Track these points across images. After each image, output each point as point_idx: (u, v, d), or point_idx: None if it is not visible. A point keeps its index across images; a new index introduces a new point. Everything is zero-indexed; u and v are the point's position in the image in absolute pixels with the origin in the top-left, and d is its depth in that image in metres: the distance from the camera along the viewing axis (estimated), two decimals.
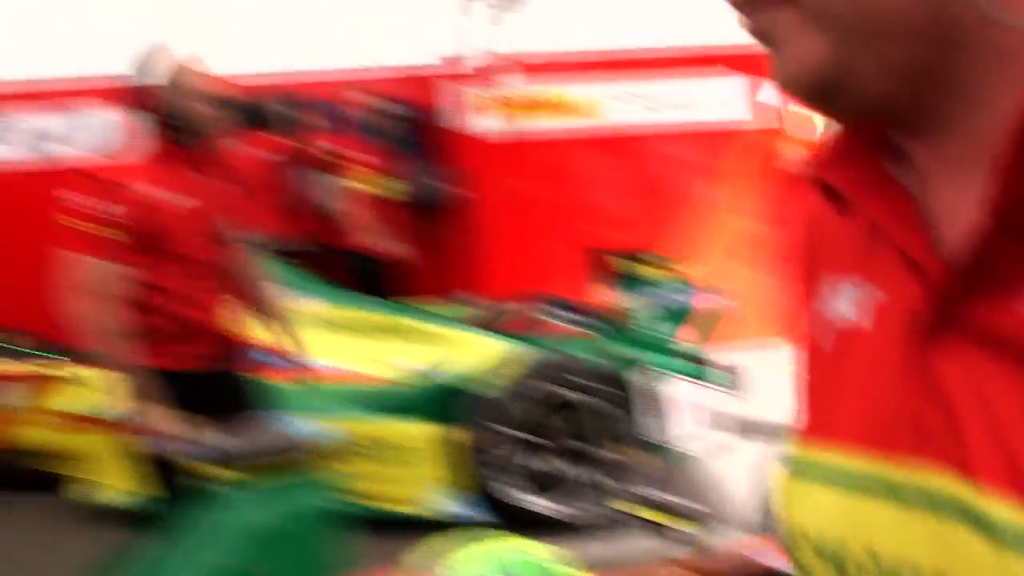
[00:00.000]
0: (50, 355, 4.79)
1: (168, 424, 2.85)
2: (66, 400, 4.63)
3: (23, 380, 4.82)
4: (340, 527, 1.94)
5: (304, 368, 3.53)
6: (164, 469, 3.13)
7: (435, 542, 1.89)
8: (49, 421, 4.67)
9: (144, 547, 2.11)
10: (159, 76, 3.01)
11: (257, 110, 6.41)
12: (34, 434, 4.75)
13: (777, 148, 7.14)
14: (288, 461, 1.84)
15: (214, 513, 1.97)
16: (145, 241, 2.99)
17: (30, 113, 6.67)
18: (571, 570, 1.87)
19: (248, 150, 6.10)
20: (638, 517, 2.58)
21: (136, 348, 2.95)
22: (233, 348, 3.29)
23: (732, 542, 2.50)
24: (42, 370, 4.80)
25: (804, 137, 6.69)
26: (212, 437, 2.35)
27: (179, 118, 3.00)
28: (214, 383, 3.15)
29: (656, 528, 2.46)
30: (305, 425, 1.87)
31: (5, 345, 5.06)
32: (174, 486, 3.26)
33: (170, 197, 3.03)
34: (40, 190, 5.47)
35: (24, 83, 6.70)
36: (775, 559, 2.37)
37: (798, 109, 6.82)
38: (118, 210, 2.95)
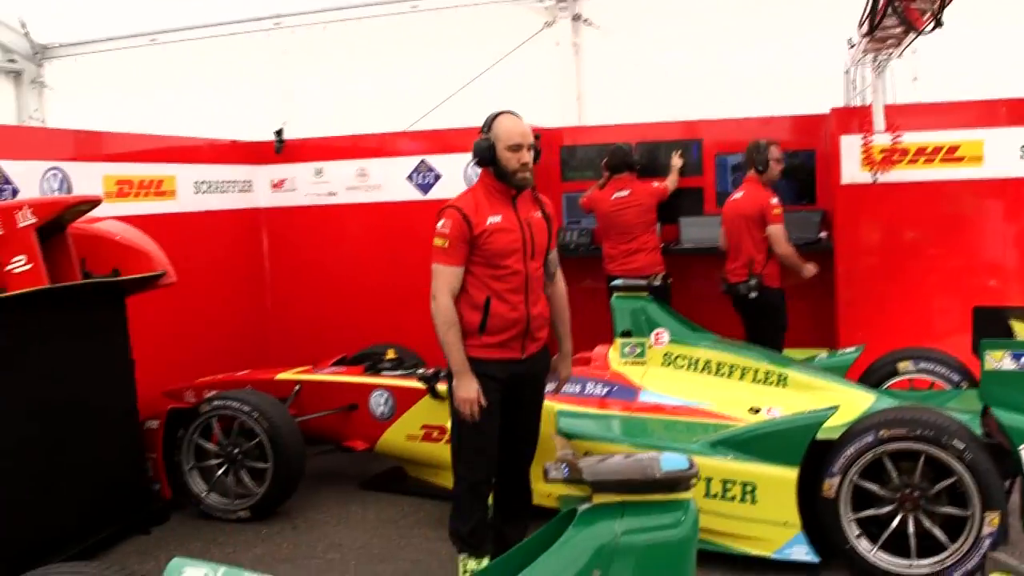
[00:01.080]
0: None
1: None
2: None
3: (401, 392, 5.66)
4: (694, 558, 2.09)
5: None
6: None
7: None
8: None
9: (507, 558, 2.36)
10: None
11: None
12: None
13: None
14: (652, 489, 1.96)
15: (579, 529, 2.11)
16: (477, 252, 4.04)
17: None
18: None
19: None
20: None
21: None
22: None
23: None
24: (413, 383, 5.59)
25: None
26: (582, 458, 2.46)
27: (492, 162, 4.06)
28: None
29: None
30: (671, 457, 2.04)
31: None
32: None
33: (495, 219, 4.05)
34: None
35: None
36: None
37: None
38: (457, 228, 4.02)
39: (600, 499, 2.13)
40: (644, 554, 1.89)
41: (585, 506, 2.18)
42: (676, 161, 7.38)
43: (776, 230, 6.28)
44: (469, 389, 4.02)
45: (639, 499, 1.92)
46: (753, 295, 6.36)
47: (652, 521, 1.89)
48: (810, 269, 6.41)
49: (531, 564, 2.15)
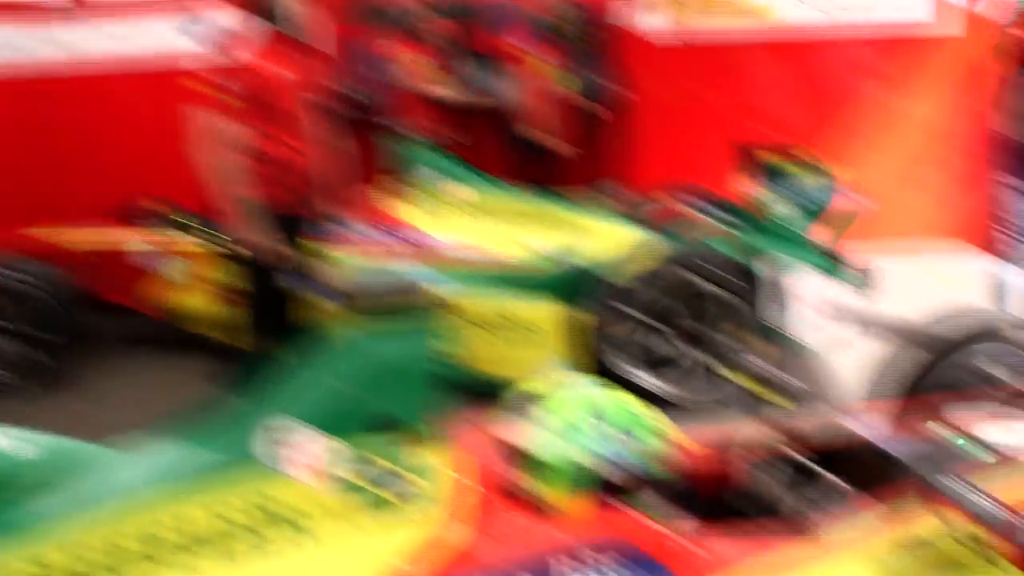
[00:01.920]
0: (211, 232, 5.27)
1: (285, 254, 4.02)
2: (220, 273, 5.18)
3: (187, 255, 5.46)
4: (450, 378, 2.10)
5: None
6: (281, 304, 4.17)
7: (531, 386, 2.17)
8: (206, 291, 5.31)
9: (261, 379, 2.26)
10: None
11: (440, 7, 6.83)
12: (192, 302, 5.42)
13: (958, 53, 6.90)
14: (405, 304, 1.97)
15: (329, 347, 2.12)
16: (255, 103, 4.04)
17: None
18: (657, 420, 2.12)
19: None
20: (741, 388, 2.77)
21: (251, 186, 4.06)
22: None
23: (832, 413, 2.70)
24: (203, 246, 5.40)
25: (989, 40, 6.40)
26: (332, 275, 2.40)
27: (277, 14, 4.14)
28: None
29: (757, 402, 2.66)
30: (422, 273, 2.00)
31: (177, 221, 5.67)
32: (291, 322, 4.12)
33: (275, 70, 4.11)
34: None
35: None
36: (873, 430, 2.55)
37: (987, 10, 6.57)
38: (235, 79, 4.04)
39: (349, 318, 2.19)
40: (394, 370, 1.91)
41: (339, 325, 2.25)
42: None
43: None
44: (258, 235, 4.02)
45: (388, 316, 1.92)
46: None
47: (403, 337, 1.91)
48: None
49: (286, 386, 2.13)
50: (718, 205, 5.88)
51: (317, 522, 1.87)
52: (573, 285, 4.47)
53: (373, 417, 1.90)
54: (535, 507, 2.02)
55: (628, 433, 2.05)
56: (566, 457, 2.01)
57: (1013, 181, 5.17)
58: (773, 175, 4.79)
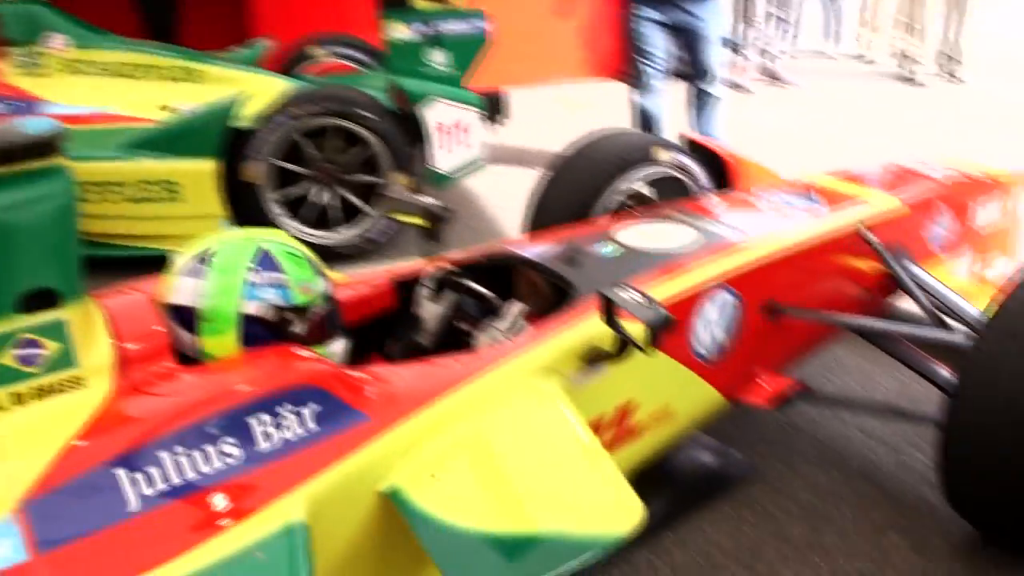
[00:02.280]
0: None
1: None
2: None
3: None
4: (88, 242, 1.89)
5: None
6: None
7: (188, 245, 2.00)
8: None
9: None
10: None
11: None
12: None
13: None
14: (24, 152, 1.62)
15: None
16: None
17: None
18: (316, 259, 2.03)
19: None
20: (390, 221, 2.75)
21: None
22: None
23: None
24: None
25: None
26: None
27: None
28: None
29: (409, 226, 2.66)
30: (35, 120, 1.71)
31: None
32: None
33: None
34: None
35: None
36: (527, 248, 2.64)
37: None
38: None
39: None
40: (18, 229, 1.62)
41: None
42: None
43: None
44: None
45: (4, 171, 1.61)
46: None
47: (26, 193, 1.60)
48: None
49: None
50: (350, 46, 5.82)
51: None
52: (213, 138, 4.23)
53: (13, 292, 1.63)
54: (209, 365, 1.90)
55: (290, 275, 1.95)
56: (231, 308, 1.90)
57: (651, 13, 5.39)
58: (403, 12, 4.71)
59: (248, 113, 4.31)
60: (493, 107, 4.96)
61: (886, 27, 9.56)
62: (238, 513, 1.64)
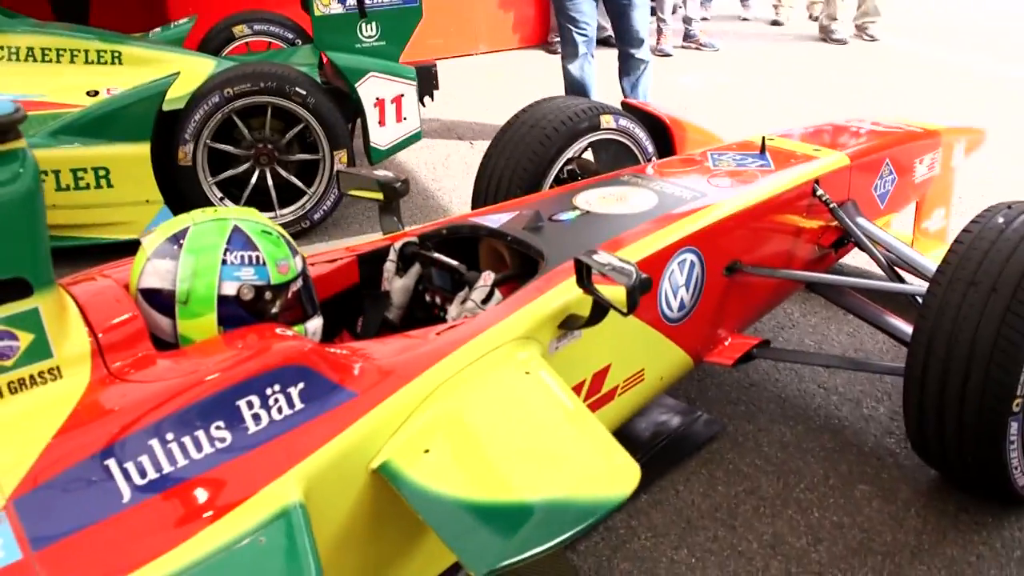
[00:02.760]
0: None
1: None
2: None
3: None
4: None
5: None
6: None
7: (169, 222, 1.92)
8: None
9: None
10: None
11: None
12: None
13: None
14: None
15: None
16: None
17: None
18: (284, 233, 1.97)
19: None
20: (345, 195, 2.71)
21: None
22: None
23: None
24: None
25: None
26: None
27: None
28: None
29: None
30: None
31: None
32: None
33: None
34: None
35: None
36: (490, 219, 2.63)
37: None
38: None
39: None
40: None
41: None
42: None
43: None
44: None
45: None
46: None
47: None
48: None
49: None
50: (284, 26, 5.72)
51: None
52: (145, 122, 4.10)
53: None
54: (189, 349, 1.84)
55: (266, 254, 1.89)
56: (208, 290, 1.84)
57: None
58: None
59: (179, 94, 4.20)
60: (426, 80, 4.92)
61: None
62: (234, 498, 1.60)
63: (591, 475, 1.76)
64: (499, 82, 7.54)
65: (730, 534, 2.53)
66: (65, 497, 1.52)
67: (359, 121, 4.67)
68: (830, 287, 3.13)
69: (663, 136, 3.62)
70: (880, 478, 2.74)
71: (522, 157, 3.29)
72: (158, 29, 5.48)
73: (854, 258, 3.62)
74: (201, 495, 1.60)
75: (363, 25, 4.58)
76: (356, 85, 4.47)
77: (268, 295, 1.91)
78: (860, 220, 3.09)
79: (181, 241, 1.87)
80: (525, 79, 7.47)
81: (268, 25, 5.68)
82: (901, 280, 3.01)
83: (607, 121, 3.39)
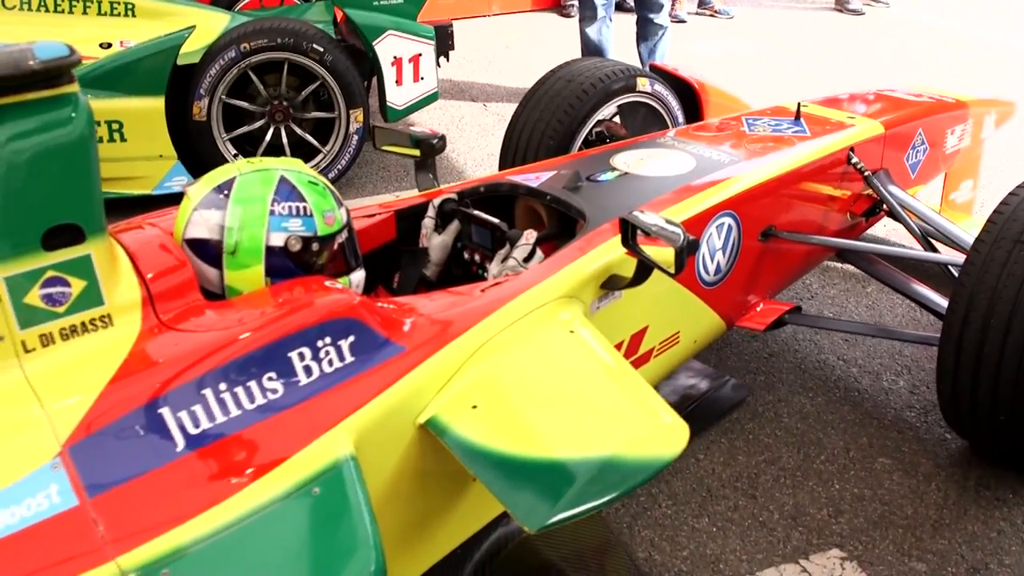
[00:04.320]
0: None
1: None
2: None
3: None
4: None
5: None
6: None
7: (214, 171, 1.89)
8: None
9: None
10: None
11: None
12: None
13: None
14: (30, 84, 1.51)
15: None
16: None
17: None
18: (330, 185, 1.94)
19: None
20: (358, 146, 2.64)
21: None
22: None
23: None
24: None
25: None
26: None
27: None
28: None
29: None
30: (47, 44, 1.57)
31: None
32: None
33: None
34: None
35: None
36: (528, 178, 2.60)
37: None
38: None
39: None
40: (36, 161, 1.51)
41: None
42: None
43: None
44: None
45: (17, 100, 1.48)
46: None
47: (39, 121, 1.50)
48: None
49: None
50: None
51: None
52: (159, 76, 4.06)
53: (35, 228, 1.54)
54: (237, 300, 1.82)
55: (313, 205, 1.86)
56: (256, 241, 1.82)
57: None
58: None
59: (194, 49, 4.14)
60: (442, 40, 4.85)
61: None
62: (287, 450, 1.59)
63: (640, 434, 1.74)
64: (512, 44, 7.47)
65: (751, 504, 2.52)
66: (119, 445, 1.52)
67: (375, 79, 4.61)
68: (861, 256, 3.11)
69: (690, 101, 3.58)
70: (901, 451, 2.73)
71: (557, 110, 3.26)
72: None
73: (880, 229, 3.60)
74: (254, 446, 1.59)
75: None
76: (374, 43, 4.41)
77: (315, 246, 1.87)
78: (893, 189, 3.07)
79: (227, 191, 1.83)
80: (538, 42, 7.39)
81: None
82: (935, 250, 2.99)
83: (643, 84, 3.38)
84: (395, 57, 4.48)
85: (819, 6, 9.05)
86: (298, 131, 4.36)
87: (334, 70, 4.26)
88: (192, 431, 1.55)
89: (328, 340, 1.71)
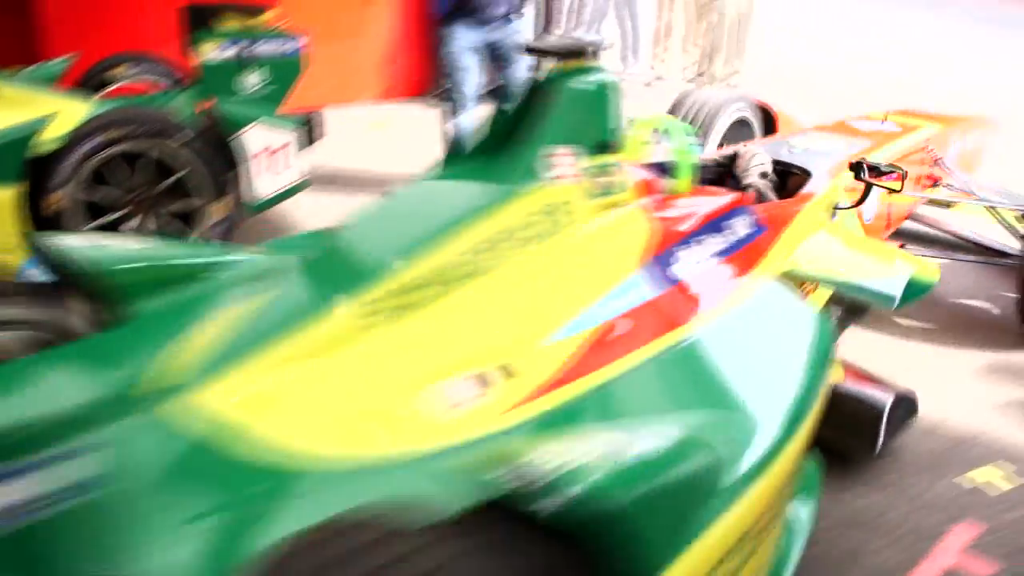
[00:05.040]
0: None
1: None
2: None
3: None
4: None
5: None
6: None
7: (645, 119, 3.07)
8: None
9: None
10: None
11: None
12: None
13: None
14: (582, 52, 2.74)
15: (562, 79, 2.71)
16: None
17: None
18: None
19: None
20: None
21: None
22: None
23: None
24: None
25: None
26: None
27: None
28: None
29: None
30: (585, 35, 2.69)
31: None
32: None
33: None
34: None
35: None
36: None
37: None
38: None
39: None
40: (594, 102, 2.67)
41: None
42: None
43: None
44: None
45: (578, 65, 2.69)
46: None
47: (593, 77, 2.67)
48: None
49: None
50: (160, 68, 5.62)
51: (576, 206, 2.49)
52: (13, 165, 3.99)
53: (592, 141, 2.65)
54: (685, 196, 2.91)
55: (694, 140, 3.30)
56: (691, 160, 3.01)
57: (466, 35, 5.43)
58: (233, 37, 4.59)
59: (52, 137, 4.07)
60: (310, 128, 4.89)
61: (677, 48, 10.11)
62: (744, 269, 2.67)
63: (916, 266, 3.00)
64: (383, 131, 7.56)
65: None
66: (671, 260, 2.49)
67: (240, 170, 4.60)
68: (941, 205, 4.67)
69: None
70: None
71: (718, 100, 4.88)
72: (31, 67, 5.30)
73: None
74: (730, 267, 2.64)
75: (245, 74, 4.55)
76: (239, 134, 4.41)
77: (708, 165, 3.59)
78: (959, 172, 4.56)
79: (663, 133, 3.11)
80: (407, 128, 7.50)
81: (150, 68, 5.57)
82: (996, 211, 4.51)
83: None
84: (260, 147, 4.49)
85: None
86: (161, 221, 4.30)
87: (198, 161, 4.24)
88: (699, 261, 2.56)
89: (737, 218, 2.82)
